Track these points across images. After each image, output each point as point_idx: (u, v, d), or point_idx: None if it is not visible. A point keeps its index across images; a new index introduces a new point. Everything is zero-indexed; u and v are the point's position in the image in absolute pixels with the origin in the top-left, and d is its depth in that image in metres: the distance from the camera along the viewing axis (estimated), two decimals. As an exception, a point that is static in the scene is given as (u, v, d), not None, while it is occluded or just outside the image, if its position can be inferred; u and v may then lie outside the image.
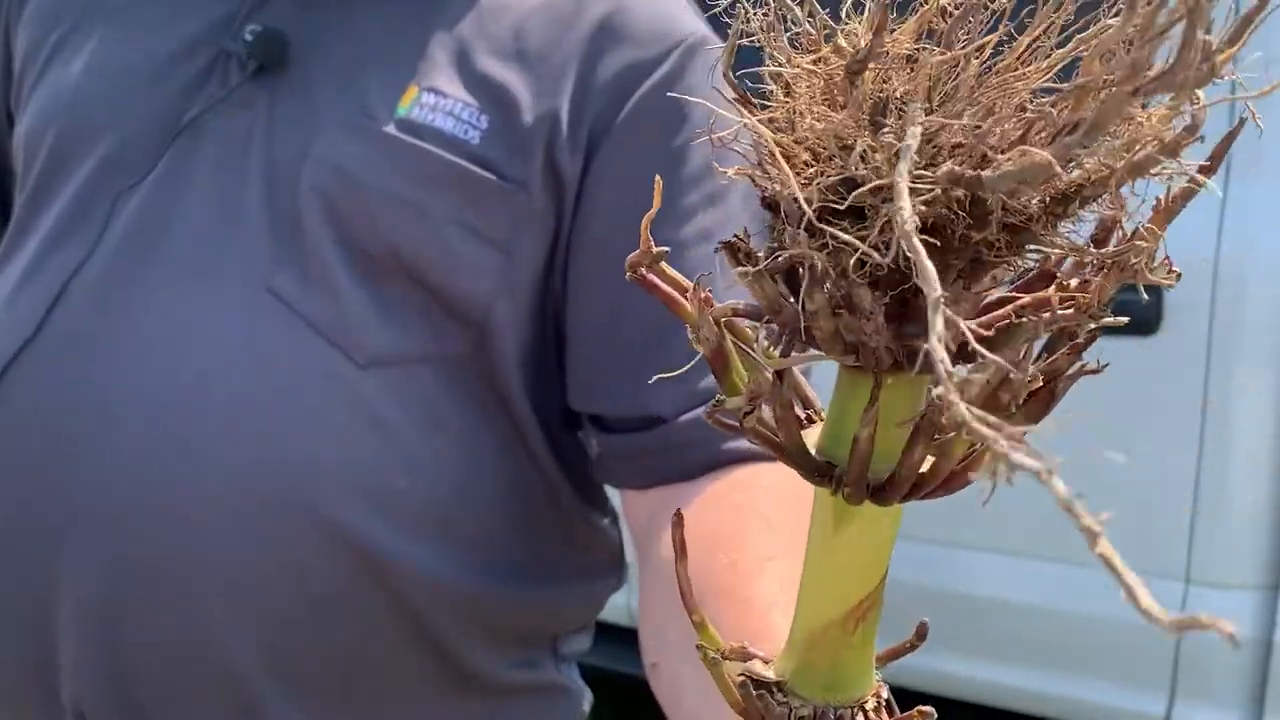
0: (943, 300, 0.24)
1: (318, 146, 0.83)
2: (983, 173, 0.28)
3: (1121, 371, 2.24)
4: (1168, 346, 2.00)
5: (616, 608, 1.52)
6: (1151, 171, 0.31)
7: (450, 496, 0.85)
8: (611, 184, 0.85)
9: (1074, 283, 0.33)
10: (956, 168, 0.28)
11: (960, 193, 0.28)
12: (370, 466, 0.82)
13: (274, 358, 0.81)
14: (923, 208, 0.28)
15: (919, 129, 0.28)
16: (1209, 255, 1.95)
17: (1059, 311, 0.32)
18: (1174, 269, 0.33)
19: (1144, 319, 2.00)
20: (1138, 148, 0.30)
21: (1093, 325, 0.33)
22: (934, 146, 0.29)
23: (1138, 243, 0.33)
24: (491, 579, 0.87)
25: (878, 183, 0.28)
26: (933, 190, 0.28)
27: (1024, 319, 0.32)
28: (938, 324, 0.24)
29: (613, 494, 0.93)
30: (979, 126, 0.29)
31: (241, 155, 0.84)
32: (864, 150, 0.29)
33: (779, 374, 0.34)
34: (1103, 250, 0.32)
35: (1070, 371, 0.33)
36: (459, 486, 0.85)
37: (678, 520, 0.41)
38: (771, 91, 0.32)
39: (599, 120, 0.85)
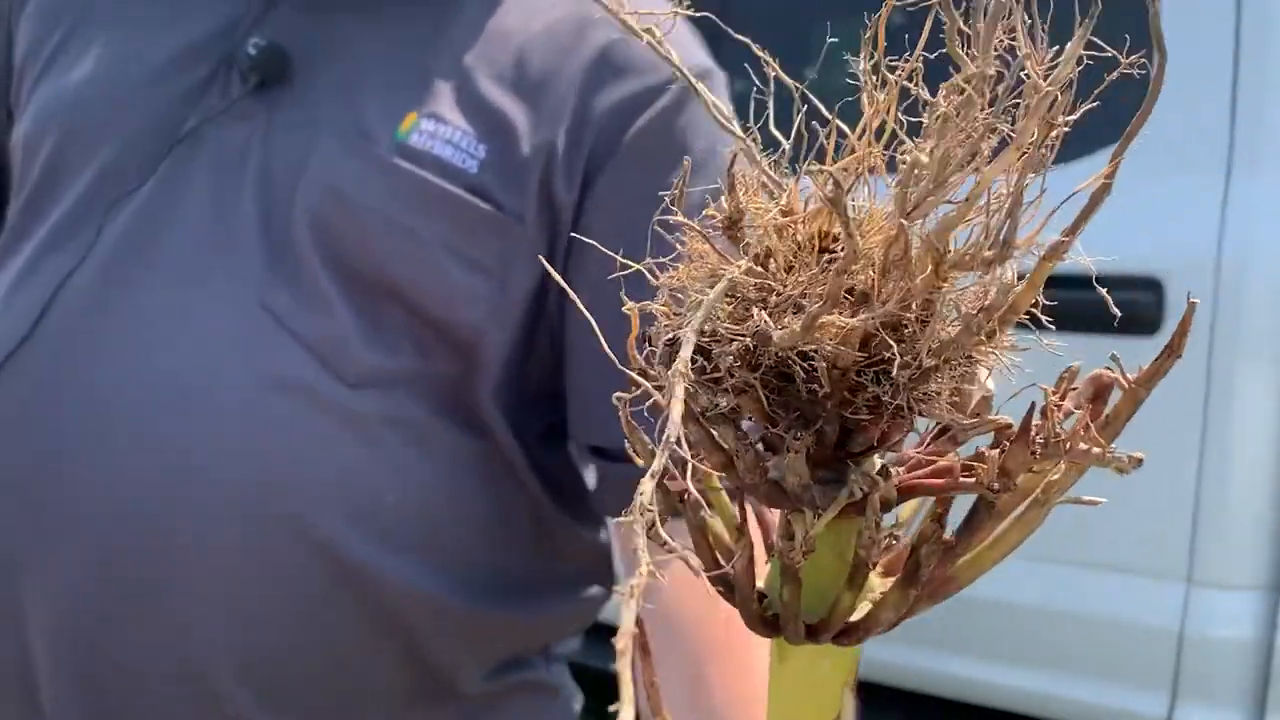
0: (671, 445, 0.26)
1: (314, 165, 0.83)
2: (775, 331, 0.29)
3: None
4: (1168, 347, 2.00)
5: (614, 606, 1.51)
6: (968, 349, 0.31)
7: (434, 512, 0.85)
8: (608, 216, 0.84)
9: (995, 452, 0.33)
10: (738, 325, 0.30)
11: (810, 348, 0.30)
12: (355, 481, 0.82)
13: (263, 372, 0.80)
14: (731, 359, 0.30)
15: (724, 284, 0.30)
16: (1210, 254, 1.95)
17: (960, 479, 0.33)
18: (1138, 455, 0.33)
19: (1144, 319, 2.00)
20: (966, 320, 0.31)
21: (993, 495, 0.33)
22: (767, 301, 0.31)
23: (993, 418, 0.33)
24: (476, 593, 0.87)
25: (672, 334, 0.30)
26: (734, 340, 0.30)
27: (918, 482, 0.33)
28: (655, 466, 0.26)
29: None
30: (769, 285, 0.31)
31: (238, 168, 0.84)
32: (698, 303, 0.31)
33: (740, 526, 0.35)
34: (969, 420, 0.33)
35: (931, 542, 0.33)
36: (443, 502, 0.85)
37: (639, 627, 0.39)
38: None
39: (596, 151, 0.84)
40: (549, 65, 0.85)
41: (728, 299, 0.31)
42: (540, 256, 0.85)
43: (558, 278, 0.52)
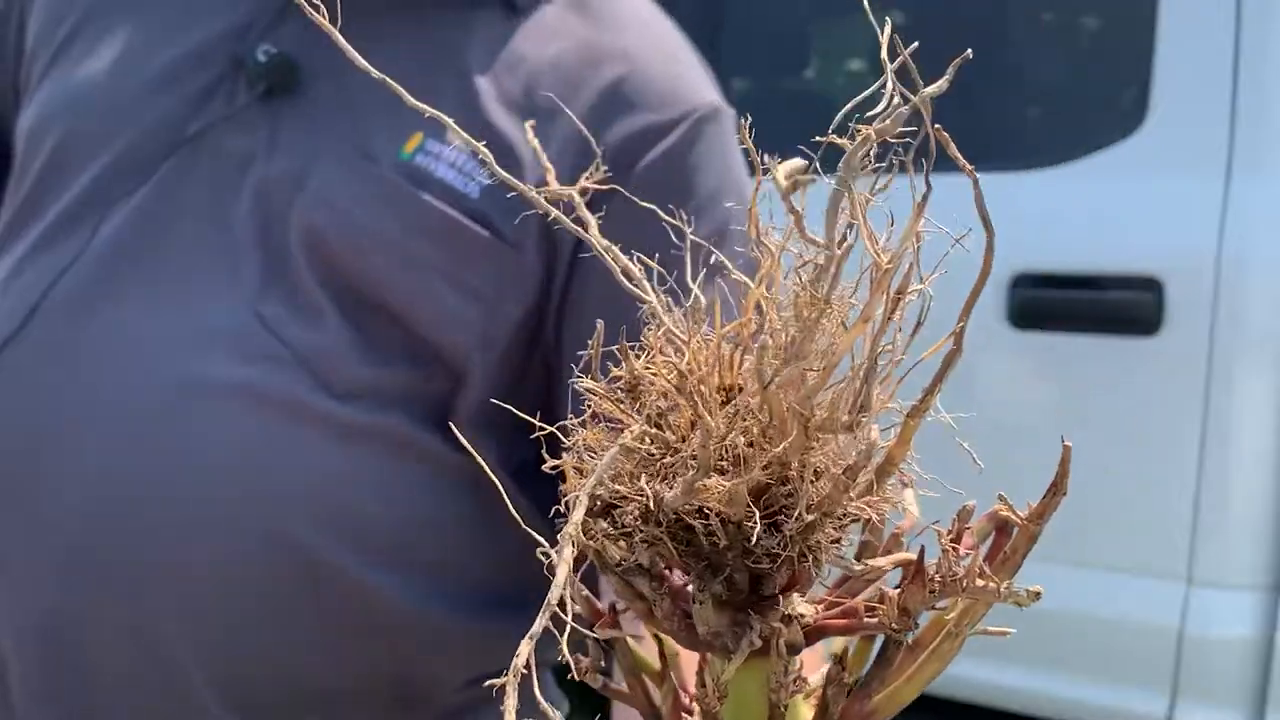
0: (553, 607, 0.29)
1: (314, 179, 0.82)
2: (666, 494, 0.32)
3: (1121, 371, 2.23)
4: (1168, 346, 2.00)
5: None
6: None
7: (418, 525, 0.84)
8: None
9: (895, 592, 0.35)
10: (639, 486, 0.32)
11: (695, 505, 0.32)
12: (337, 491, 0.81)
13: (249, 378, 0.80)
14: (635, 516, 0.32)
15: (613, 452, 0.32)
16: (1210, 254, 1.95)
17: (864, 619, 0.35)
18: (1035, 589, 0.35)
19: (1144, 319, 2.00)
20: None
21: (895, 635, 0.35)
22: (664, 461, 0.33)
23: (876, 562, 0.36)
24: (459, 606, 0.86)
25: (571, 495, 0.32)
26: (632, 500, 0.32)
27: (826, 623, 0.35)
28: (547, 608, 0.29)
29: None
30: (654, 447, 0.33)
31: (238, 177, 0.84)
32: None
33: (664, 671, 0.37)
34: (859, 567, 0.35)
35: (835, 683, 0.35)
36: (428, 516, 0.85)
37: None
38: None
39: (602, 184, 0.84)
40: (559, 94, 0.83)
41: (627, 459, 0.33)
42: (538, 287, 0.84)
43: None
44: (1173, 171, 2.02)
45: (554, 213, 0.37)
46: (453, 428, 0.85)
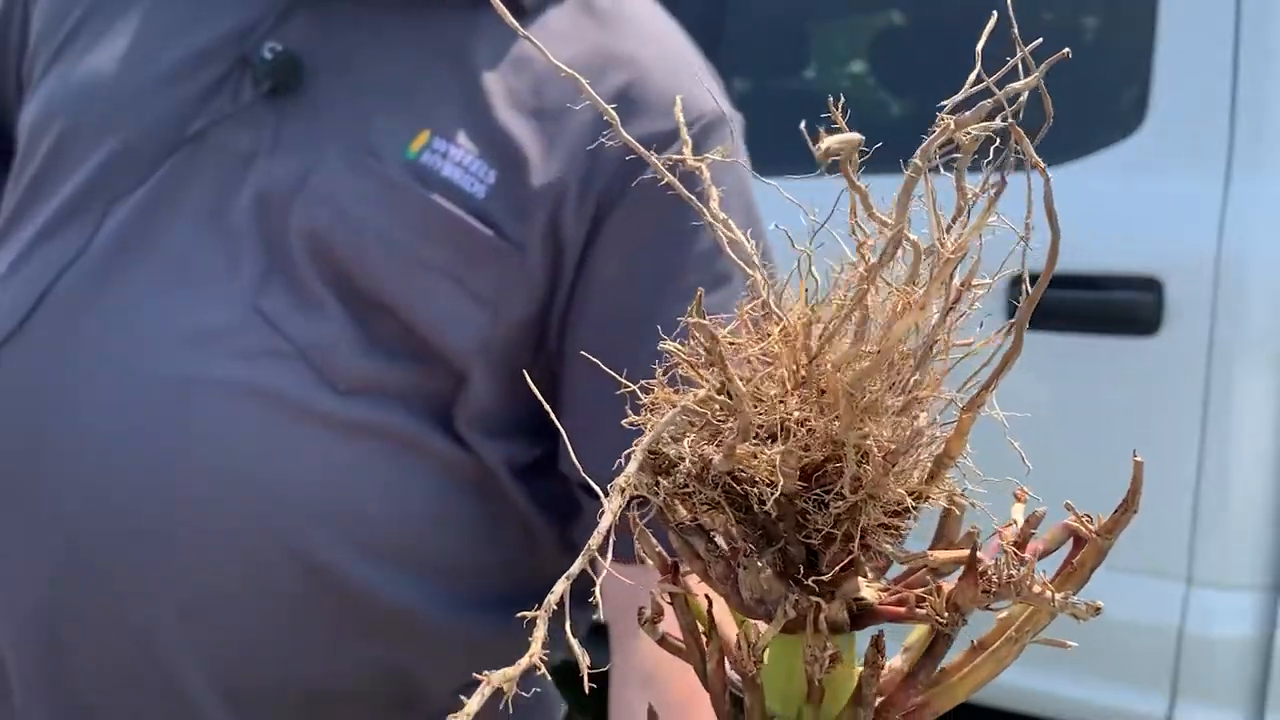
0: (593, 552, 0.30)
1: (317, 176, 0.82)
2: (715, 457, 0.33)
3: (1121, 371, 2.23)
4: (1168, 346, 2.00)
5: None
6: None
7: (418, 524, 0.84)
8: (618, 256, 0.83)
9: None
10: (695, 448, 0.33)
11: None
12: (337, 488, 0.81)
13: (249, 374, 0.80)
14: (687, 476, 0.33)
15: (673, 413, 0.33)
16: (1210, 254, 1.95)
17: (915, 610, 0.35)
18: (1095, 604, 0.36)
19: (1144, 319, 2.00)
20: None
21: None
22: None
23: (921, 554, 0.36)
24: (458, 606, 0.86)
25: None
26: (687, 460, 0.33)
27: (880, 609, 0.36)
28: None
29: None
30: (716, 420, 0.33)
31: (241, 174, 0.83)
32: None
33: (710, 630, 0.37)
34: (904, 554, 0.35)
35: (871, 666, 0.36)
36: (428, 515, 0.85)
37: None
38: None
39: (609, 189, 0.83)
40: (566, 98, 0.83)
41: (694, 423, 0.34)
42: (541, 291, 0.84)
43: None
44: (1172, 171, 2.02)
45: (669, 177, 0.39)
46: (455, 427, 0.85)
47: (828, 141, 0.30)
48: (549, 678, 0.32)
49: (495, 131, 0.84)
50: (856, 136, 0.31)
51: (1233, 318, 1.95)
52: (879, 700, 0.36)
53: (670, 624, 0.37)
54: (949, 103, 0.31)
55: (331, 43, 0.86)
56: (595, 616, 0.99)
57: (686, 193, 0.36)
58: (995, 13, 0.31)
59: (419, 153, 0.83)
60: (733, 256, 0.35)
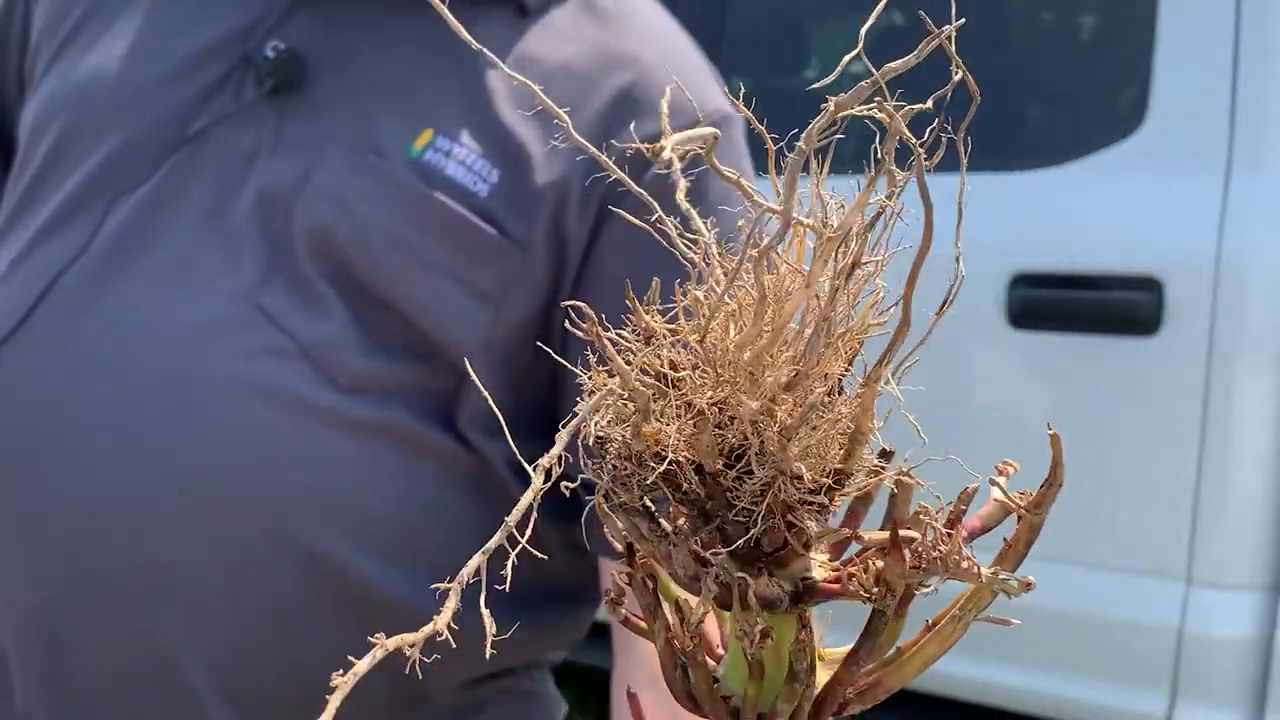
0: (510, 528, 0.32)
1: (320, 174, 0.82)
2: (623, 435, 0.35)
3: (1121, 371, 2.23)
4: (1168, 346, 2.00)
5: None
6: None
7: (422, 522, 0.84)
8: (622, 255, 0.83)
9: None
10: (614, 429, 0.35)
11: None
12: (340, 486, 0.81)
13: (252, 372, 0.80)
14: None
15: (596, 399, 0.35)
16: (1210, 254, 1.95)
17: (847, 587, 0.36)
18: (1026, 579, 0.36)
19: (1144, 319, 2.00)
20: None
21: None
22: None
23: (832, 528, 0.37)
24: (463, 605, 0.86)
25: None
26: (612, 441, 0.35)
27: (820, 587, 0.36)
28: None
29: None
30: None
31: (243, 173, 0.83)
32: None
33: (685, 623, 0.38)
34: (820, 530, 0.36)
35: (795, 644, 0.37)
36: (431, 512, 0.84)
37: (633, 702, 0.43)
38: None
39: (613, 189, 0.84)
40: (570, 98, 0.83)
41: (627, 405, 0.35)
42: (544, 289, 0.84)
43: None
44: (1172, 171, 2.02)
45: (634, 187, 0.42)
46: (456, 424, 0.85)
47: (676, 137, 0.32)
48: (453, 645, 0.33)
49: (498, 130, 0.84)
50: (711, 131, 0.33)
51: (1233, 318, 1.95)
52: (829, 678, 0.37)
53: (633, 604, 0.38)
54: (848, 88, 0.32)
55: (334, 42, 0.86)
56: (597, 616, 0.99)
57: (685, 198, 0.36)
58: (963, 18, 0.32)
59: (422, 151, 0.83)
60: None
